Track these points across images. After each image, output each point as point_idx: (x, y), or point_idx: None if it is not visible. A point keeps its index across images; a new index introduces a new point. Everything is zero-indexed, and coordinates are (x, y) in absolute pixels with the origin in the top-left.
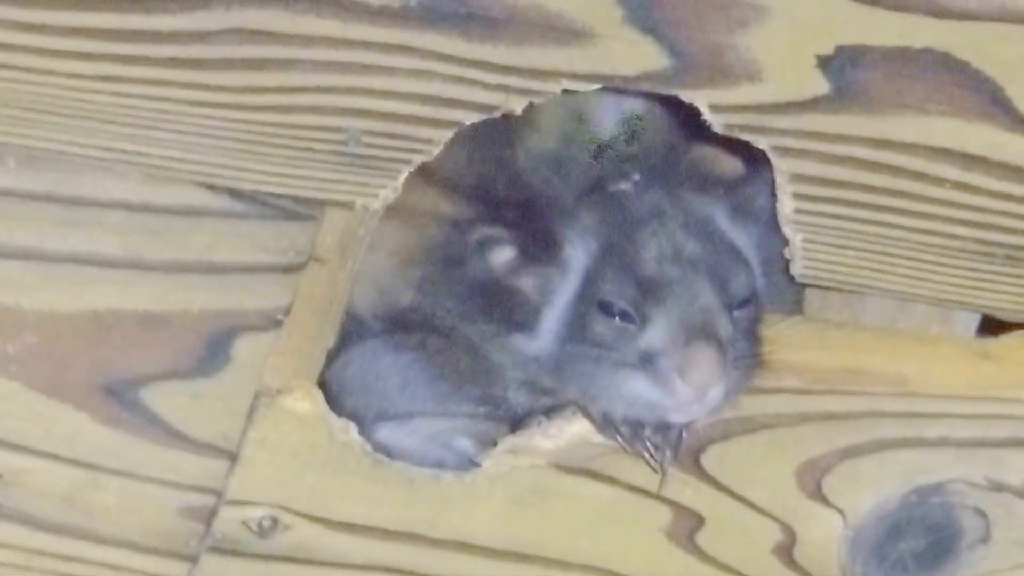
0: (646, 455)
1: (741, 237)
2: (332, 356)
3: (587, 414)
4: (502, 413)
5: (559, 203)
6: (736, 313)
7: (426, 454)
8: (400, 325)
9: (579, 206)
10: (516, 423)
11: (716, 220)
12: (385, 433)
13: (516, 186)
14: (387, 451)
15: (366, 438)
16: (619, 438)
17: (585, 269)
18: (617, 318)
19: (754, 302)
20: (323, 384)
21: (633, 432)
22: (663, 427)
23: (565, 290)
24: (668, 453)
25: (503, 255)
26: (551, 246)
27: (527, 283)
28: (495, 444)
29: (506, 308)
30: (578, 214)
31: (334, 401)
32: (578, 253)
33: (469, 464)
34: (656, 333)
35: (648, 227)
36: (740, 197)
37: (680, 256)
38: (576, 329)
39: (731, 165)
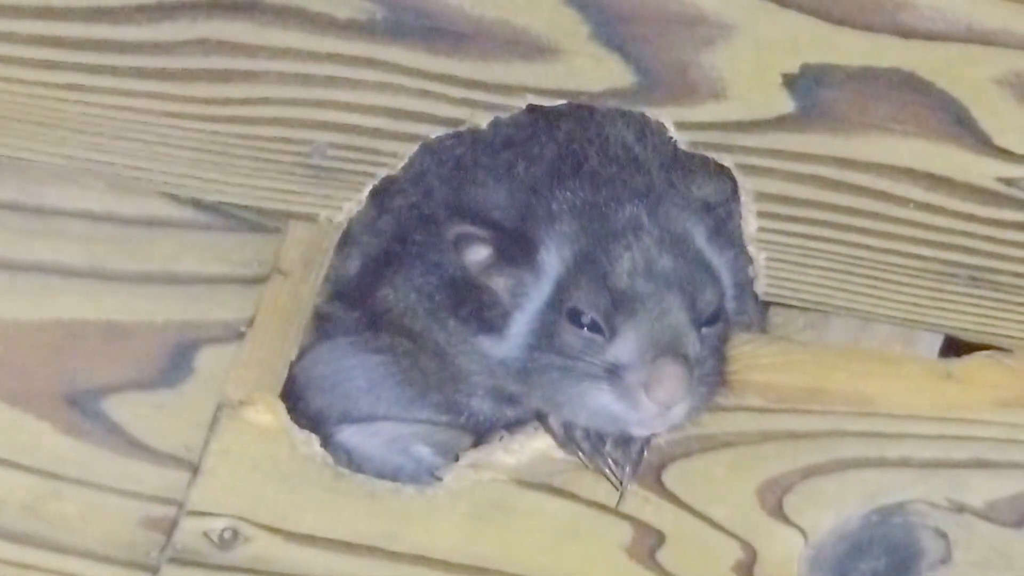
0: (607, 471)
1: (716, 257)
2: (302, 352)
3: (548, 428)
4: (464, 421)
5: (539, 207)
6: (704, 330)
7: (385, 459)
8: (370, 325)
9: (558, 212)
10: (479, 434)
11: (693, 237)
12: (347, 435)
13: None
14: (348, 453)
15: (328, 438)
16: (580, 454)
17: (558, 276)
18: (586, 328)
19: (722, 320)
20: (291, 379)
21: (594, 447)
22: (624, 442)
23: (537, 295)
24: (628, 469)
25: (478, 254)
26: (527, 249)
27: (500, 284)
28: (455, 453)
29: (477, 308)
30: (556, 220)
31: (300, 398)
32: (553, 259)
33: (427, 472)
34: (624, 346)
35: (623, 239)
36: (721, 218)
37: (653, 271)
38: (545, 336)
39: (716, 185)
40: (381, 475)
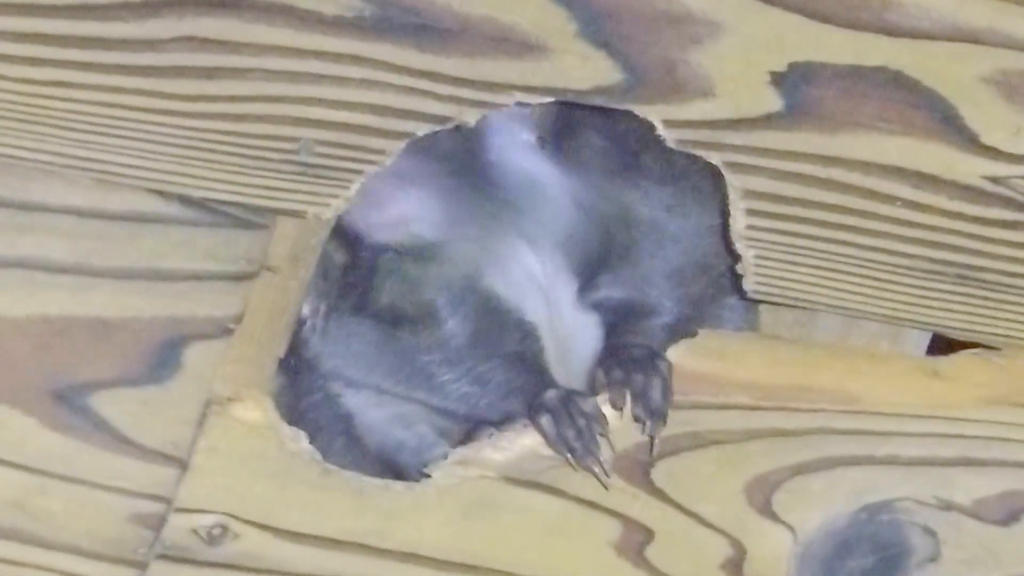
0: (596, 470)
1: None
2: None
3: (538, 427)
4: (455, 407)
5: None
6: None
7: (389, 433)
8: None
9: None
10: (470, 429)
11: None
12: (352, 402)
13: None
14: (349, 418)
15: (335, 397)
16: (569, 454)
17: None
18: None
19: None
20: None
21: (585, 447)
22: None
23: None
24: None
25: None
26: None
27: None
28: (452, 443)
29: None
30: None
31: (306, 344)
32: None
33: (429, 450)
34: None
35: None
36: None
37: None
38: None
39: None
40: (383, 447)
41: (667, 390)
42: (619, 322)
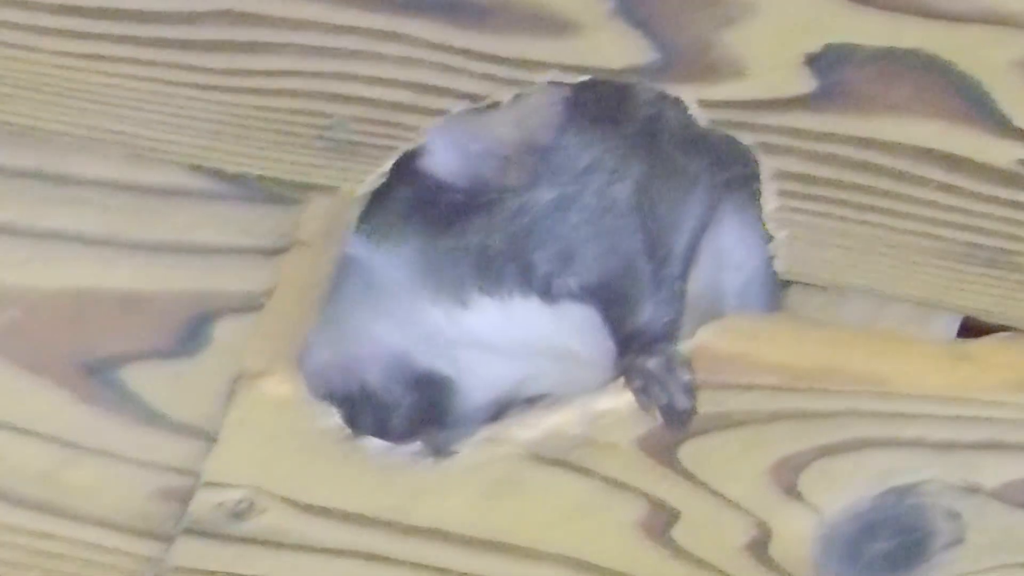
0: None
1: None
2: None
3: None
4: None
5: None
6: None
7: None
8: None
9: None
10: (496, 411)
11: None
12: None
13: None
14: None
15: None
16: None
17: None
18: None
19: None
20: None
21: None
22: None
23: None
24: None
25: None
26: None
27: None
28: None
29: None
30: None
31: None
32: None
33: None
34: None
35: None
36: None
37: None
38: None
39: None
40: None
41: (692, 392)
42: (613, 306)
